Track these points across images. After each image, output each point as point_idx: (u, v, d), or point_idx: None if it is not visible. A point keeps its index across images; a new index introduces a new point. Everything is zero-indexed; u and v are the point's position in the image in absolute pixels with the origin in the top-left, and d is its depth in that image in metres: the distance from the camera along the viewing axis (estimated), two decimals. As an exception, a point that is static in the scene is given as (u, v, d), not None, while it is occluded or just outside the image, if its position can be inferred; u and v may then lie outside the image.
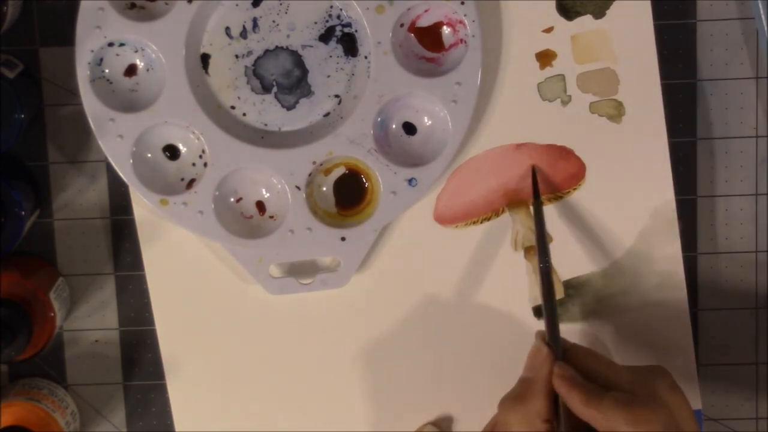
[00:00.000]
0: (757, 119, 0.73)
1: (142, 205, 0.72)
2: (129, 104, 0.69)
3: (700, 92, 0.72)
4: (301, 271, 0.72)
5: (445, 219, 0.72)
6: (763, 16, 0.70)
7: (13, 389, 0.72)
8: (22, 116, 0.67)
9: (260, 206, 0.71)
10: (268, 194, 0.71)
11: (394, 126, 0.71)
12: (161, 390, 0.74)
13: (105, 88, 0.69)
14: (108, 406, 0.75)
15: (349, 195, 0.71)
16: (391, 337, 0.73)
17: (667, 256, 0.72)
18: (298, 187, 0.70)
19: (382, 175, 0.70)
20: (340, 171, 0.71)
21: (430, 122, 0.70)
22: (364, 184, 0.71)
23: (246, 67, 0.70)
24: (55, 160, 0.73)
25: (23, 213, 0.69)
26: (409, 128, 0.71)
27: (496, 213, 0.72)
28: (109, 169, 0.73)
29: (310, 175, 0.70)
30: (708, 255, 0.74)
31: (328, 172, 0.71)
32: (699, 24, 0.72)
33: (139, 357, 0.74)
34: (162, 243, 0.72)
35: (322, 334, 0.73)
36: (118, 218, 0.73)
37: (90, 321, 0.74)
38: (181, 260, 0.73)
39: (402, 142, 0.71)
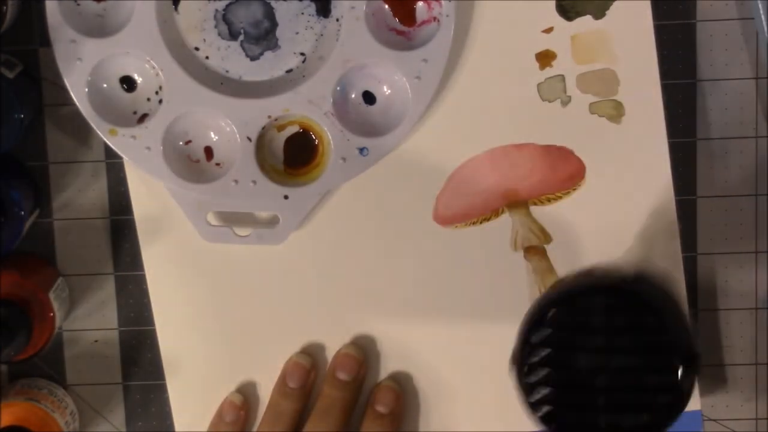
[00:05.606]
0: (757, 119, 0.73)
1: (143, 205, 0.72)
2: (93, 29, 0.69)
3: (699, 92, 0.72)
4: (238, 223, 0.72)
5: (444, 219, 0.72)
6: (763, 17, 0.70)
7: (13, 389, 0.72)
8: (22, 116, 0.67)
9: (208, 152, 0.71)
10: (218, 141, 0.71)
11: (354, 93, 0.70)
12: (161, 390, 0.74)
13: (71, 8, 0.69)
14: (107, 406, 0.75)
15: (299, 154, 0.71)
16: (393, 336, 0.73)
17: (666, 256, 0.72)
18: (250, 138, 0.69)
19: (334, 140, 0.69)
20: (293, 129, 0.71)
21: (390, 94, 0.70)
22: (316, 146, 0.71)
23: (216, 10, 0.70)
24: (55, 160, 0.73)
25: (23, 213, 0.69)
26: (369, 97, 0.70)
27: (496, 213, 0.72)
28: (109, 169, 0.73)
29: (263, 128, 0.69)
30: (708, 255, 0.74)
31: (281, 128, 0.71)
32: (699, 24, 0.72)
33: (138, 357, 0.74)
34: (162, 243, 0.72)
35: (325, 336, 0.74)
36: (118, 218, 0.73)
37: (90, 321, 0.74)
38: (181, 260, 0.73)
39: (360, 110, 0.70)
